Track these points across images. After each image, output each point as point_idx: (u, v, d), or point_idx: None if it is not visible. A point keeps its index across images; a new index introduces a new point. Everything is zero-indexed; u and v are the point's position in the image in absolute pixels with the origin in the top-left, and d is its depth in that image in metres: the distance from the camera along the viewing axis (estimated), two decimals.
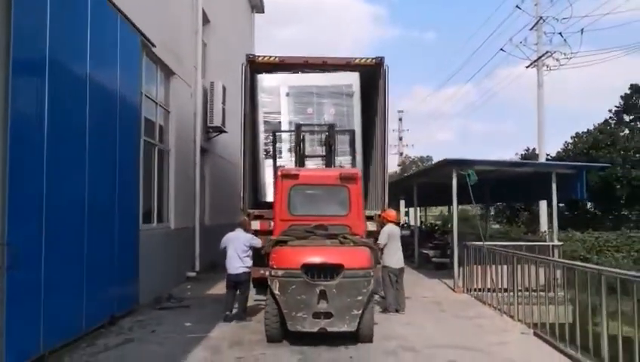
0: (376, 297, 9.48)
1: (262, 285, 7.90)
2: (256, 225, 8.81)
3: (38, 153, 5.80)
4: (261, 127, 10.00)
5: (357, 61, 9.89)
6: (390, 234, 9.00)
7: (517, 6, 22.07)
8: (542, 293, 8.11)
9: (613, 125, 27.53)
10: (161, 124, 11.33)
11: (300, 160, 9.40)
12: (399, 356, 6.53)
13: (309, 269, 6.66)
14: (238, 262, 8.09)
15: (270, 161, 9.66)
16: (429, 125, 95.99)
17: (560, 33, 20.99)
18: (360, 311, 6.64)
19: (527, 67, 21.97)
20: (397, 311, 8.94)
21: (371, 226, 9.07)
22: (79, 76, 6.86)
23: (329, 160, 9.40)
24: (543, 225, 20.06)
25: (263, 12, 23.20)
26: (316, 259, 6.78)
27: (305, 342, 6.75)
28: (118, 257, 7.99)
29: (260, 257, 7.98)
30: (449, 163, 11.69)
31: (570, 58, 20.88)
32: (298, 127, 9.44)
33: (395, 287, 9.02)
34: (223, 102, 14.11)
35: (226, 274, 8.27)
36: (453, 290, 11.26)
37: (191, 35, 13.12)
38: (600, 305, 5.96)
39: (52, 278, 5.98)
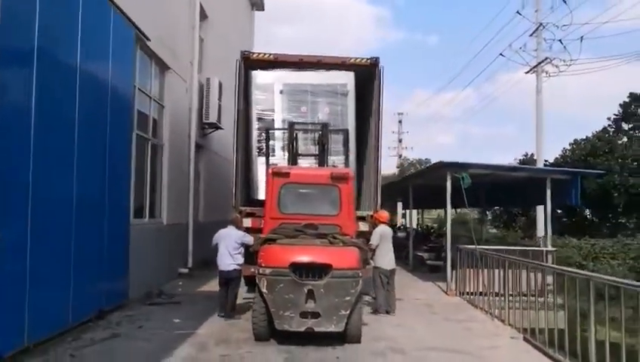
0: (368, 298, 9.46)
1: (253, 283, 7.86)
2: (247, 222, 8.76)
3: (24, 143, 5.74)
4: (254, 125, 9.94)
5: (352, 61, 9.84)
6: (382, 235, 8.94)
7: (517, 12, 22.05)
8: (533, 298, 8.05)
9: (611, 133, 27.49)
10: (155, 118, 11.27)
11: (293, 158, 9.34)
12: (387, 357, 6.48)
13: (298, 268, 6.61)
14: (228, 259, 8.06)
15: (263, 159, 9.58)
16: (430, 128, 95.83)
17: (560, 40, 20.93)
18: (348, 312, 6.59)
19: (526, 73, 21.95)
20: (387, 312, 8.88)
21: (363, 227, 9.03)
22: (69, 67, 6.80)
23: (322, 159, 9.33)
24: (540, 231, 19.99)
25: (263, 10, 23.17)
26: (305, 258, 6.73)
27: (293, 341, 6.70)
28: (107, 251, 7.92)
29: (250, 255, 7.94)
30: (443, 165, 11.65)
31: (570, 65, 20.81)
32: (291, 125, 9.38)
33: (385, 288, 8.95)
34: (220, 99, 14.04)
35: (218, 271, 8.23)
36: (446, 293, 11.21)
37: (188, 30, 13.07)
38: (588, 310, 5.91)
39: (38, 271, 5.93)
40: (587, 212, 25.97)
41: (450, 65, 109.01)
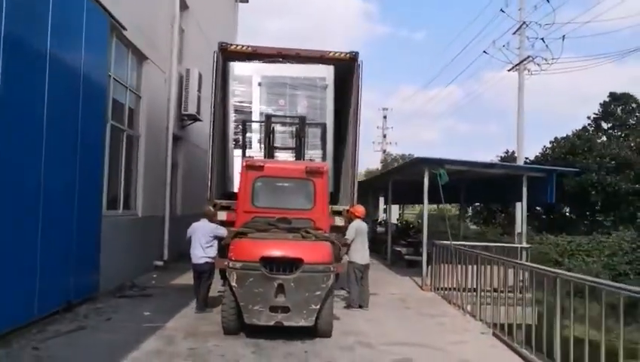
0: (343, 293, 9.46)
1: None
2: (223, 215, 8.67)
3: None
4: (232, 116, 9.83)
5: (331, 55, 9.78)
6: (358, 229, 8.93)
7: (501, 9, 22.30)
8: (508, 294, 8.12)
9: (591, 132, 27.85)
10: (131, 108, 11.08)
11: (270, 151, 9.27)
12: (355, 351, 6.48)
13: (268, 262, 6.56)
14: (200, 251, 8.00)
15: (239, 151, 9.49)
16: (414, 124, 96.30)
17: (542, 38, 21.26)
18: (318, 306, 6.58)
19: (509, 70, 22.21)
20: (360, 306, 8.89)
21: (339, 221, 9.00)
22: (38, 53, 6.65)
23: (299, 153, 9.27)
24: (519, 227, 20.23)
25: (247, 1, 22.95)
26: (275, 253, 6.67)
27: (262, 335, 6.67)
28: (76, 243, 7.78)
29: (223, 248, 7.87)
30: (421, 161, 11.69)
31: (552, 64, 21.16)
32: (268, 117, 9.29)
33: (359, 283, 8.96)
34: (199, 90, 13.87)
35: (191, 264, 8.17)
36: (421, 288, 11.26)
37: (167, 20, 12.87)
38: (555, 307, 5.99)
39: (0, 260, 5.79)
40: (566, 209, 26.32)
41: (435, 61, 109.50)
